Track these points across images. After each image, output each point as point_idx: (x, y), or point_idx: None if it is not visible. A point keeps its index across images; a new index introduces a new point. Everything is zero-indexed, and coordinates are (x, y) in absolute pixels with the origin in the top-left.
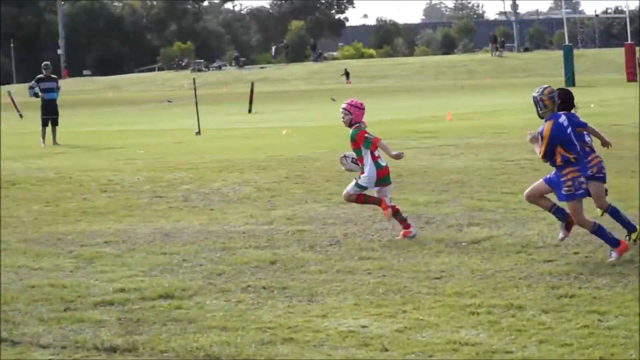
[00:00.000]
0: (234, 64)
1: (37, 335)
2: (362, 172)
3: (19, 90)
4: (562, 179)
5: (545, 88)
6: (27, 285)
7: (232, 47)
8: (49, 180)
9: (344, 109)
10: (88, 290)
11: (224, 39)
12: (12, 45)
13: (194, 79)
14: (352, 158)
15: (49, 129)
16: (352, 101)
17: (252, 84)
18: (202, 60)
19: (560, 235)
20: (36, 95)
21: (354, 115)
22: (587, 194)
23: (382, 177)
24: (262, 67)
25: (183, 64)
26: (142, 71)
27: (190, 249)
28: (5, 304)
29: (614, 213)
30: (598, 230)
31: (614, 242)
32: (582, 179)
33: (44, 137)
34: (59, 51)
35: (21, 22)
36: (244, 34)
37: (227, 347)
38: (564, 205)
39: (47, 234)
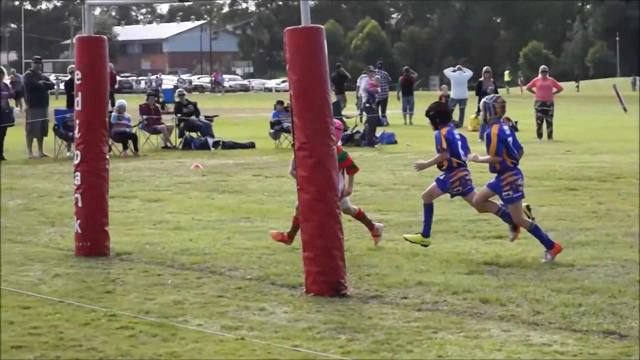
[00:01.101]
0: None
1: None
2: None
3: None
4: (501, 184)
5: (498, 97)
6: (633, 280)
7: None
8: None
9: None
10: None
11: None
12: (617, 39)
13: None
14: None
15: None
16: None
17: None
18: None
19: (510, 236)
20: None
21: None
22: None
23: None
24: None
25: None
26: None
27: None
28: (613, 297)
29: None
30: (534, 230)
31: (549, 244)
32: (520, 182)
33: None
34: None
35: (628, 15)
36: None
37: None
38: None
39: None
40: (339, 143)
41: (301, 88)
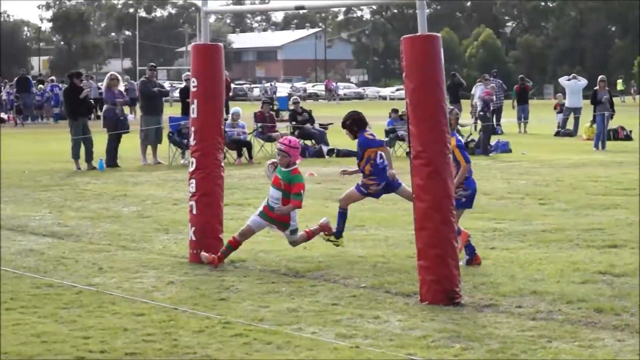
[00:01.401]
0: None
1: None
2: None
3: None
4: None
5: (453, 109)
6: None
7: None
8: None
9: (281, 150)
10: None
11: None
12: None
13: None
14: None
15: None
16: (291, 141)
17: None
18: None
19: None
20: None
21: (292, 156)
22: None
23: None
24: None
25: None
26: None
27: None
28: None
29: (341, 216)
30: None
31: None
32: (461, 192)
33: None
34: None
35: None
36: None
37: None
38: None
39: None
40: (297, 162)
41: (417, 96)
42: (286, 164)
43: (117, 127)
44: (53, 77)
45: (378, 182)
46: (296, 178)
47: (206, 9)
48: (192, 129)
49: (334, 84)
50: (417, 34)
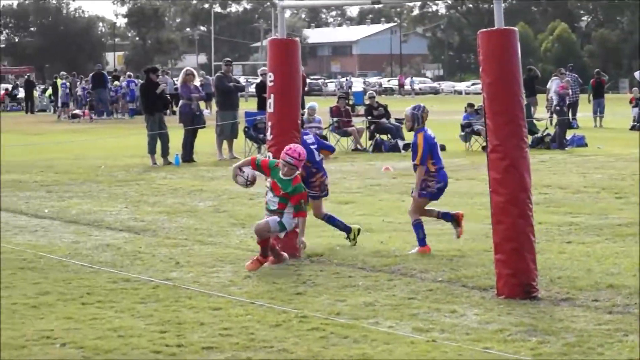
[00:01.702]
0: None
1: None
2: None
3: None
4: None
5: (423, 107)
6: None
7: None
8: None
9: (290, 163)
10: None
11: None
12: None
13: None
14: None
15: None
16: (301, 154)
17: None
18: None
19: (455, 234)
20: None
21: (299, 169)
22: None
23: None
24: None
25: None
26: None
27: None
28: None
29: (330, 220)
30: (417, 226)
31: (422, 242)
32: (433, 185)
33: None
34: None
35: None
36: None
37: None
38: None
39: None
40: (297, 172)
41: (494, 90)
42: (290, 174)
43: (193, 122)
44: (130, 73)
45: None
46: (298, 189)
47: (282, 3)
48: (269, 123)
49: (409, 78)
50: (494, 28)
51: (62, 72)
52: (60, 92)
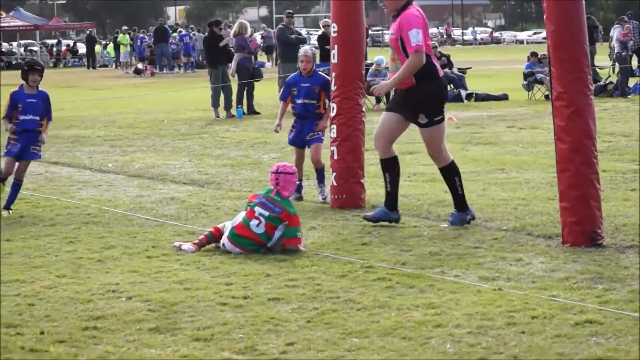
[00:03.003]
0: None
1: None
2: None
3: None
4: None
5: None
6: None
7: None
8: None
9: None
10: None
11: None
12: None
13: None
14: None
15: None
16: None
17: None
18: None
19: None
20: None
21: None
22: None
23: None
24: None
25: None
26: None
27: None
28: None
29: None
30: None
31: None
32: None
33: None
34: None
35: None
36: None
37: None
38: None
39: None
40: (292, 196)
41: (559, 38)
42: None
43: (247, 76)
44: (192, 26)
45: None
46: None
47: None
48: (333, 74)
49: (471, 28)
50: None
51: (124, 27)
52: (123, 49)
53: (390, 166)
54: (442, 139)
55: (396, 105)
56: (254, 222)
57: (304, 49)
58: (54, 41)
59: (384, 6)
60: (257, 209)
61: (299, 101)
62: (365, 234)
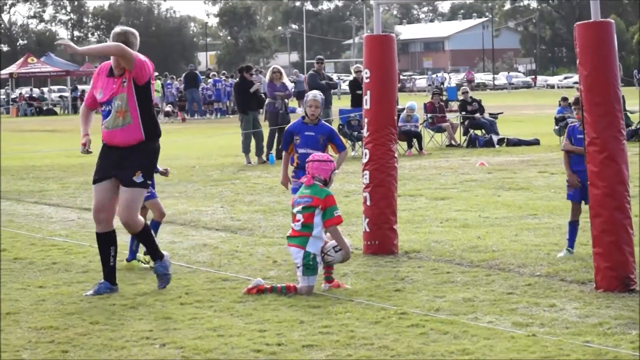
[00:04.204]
0: None
1: None
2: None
3: None
4: None
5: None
6: None
7: None
8: None
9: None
10: None
11: None
12: None
13: None
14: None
15: None
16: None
17: None
18: None
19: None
20: None
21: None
22: None
23: None
24: None
25: None
26: None
27: None
28: None
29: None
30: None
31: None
32: None
33: None
34: None
35: None
36: None
37: None
38: None
39: None
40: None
41: (591, 83)
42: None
43: (277, 121)
44: (224, 72)
45: None
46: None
47: (377, 0)
48: (365, 120)
49: (506, 73)
50: (591, 20)
51: (155, 73)
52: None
53: (114, 239)
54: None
55: (107, 169)
56: (296, 225)
57: (312, 94)
58: (87, 87)
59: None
60: (294, 210)
61: (302, 150)
62: (398, 280)
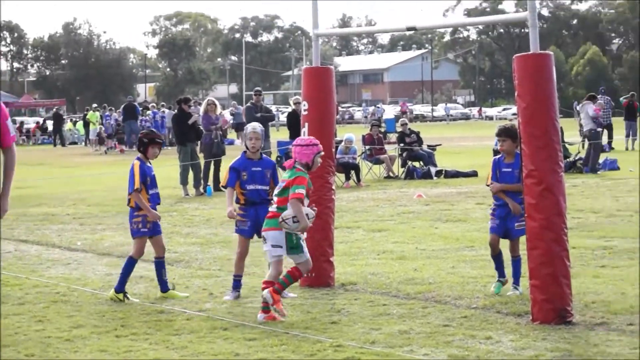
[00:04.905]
0: None
1: None
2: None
3: None
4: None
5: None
6: None
7: None
8: None
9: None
10: None
11: None
12: None
13: None
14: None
15: None
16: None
17: None
18: None
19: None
20: None
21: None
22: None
23: None
24: None
25: None
26: None
27: None
28: None
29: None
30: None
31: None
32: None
33: None
34: None
35: None
36: None
37: None
38: None
39: None
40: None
41: (530, 115)
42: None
43: (212, 152)
44: (163, 103)
45: None
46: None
47: (317, 31)
48: None
49: (444, 104)
50: (530, 52)
51: (94, 105)
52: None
53: None
54: None
55: None
56: (272, 207)
57: (252, 126)
58: (25, 118)
59: None
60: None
61: (250, 187)
62: (334, 313)
